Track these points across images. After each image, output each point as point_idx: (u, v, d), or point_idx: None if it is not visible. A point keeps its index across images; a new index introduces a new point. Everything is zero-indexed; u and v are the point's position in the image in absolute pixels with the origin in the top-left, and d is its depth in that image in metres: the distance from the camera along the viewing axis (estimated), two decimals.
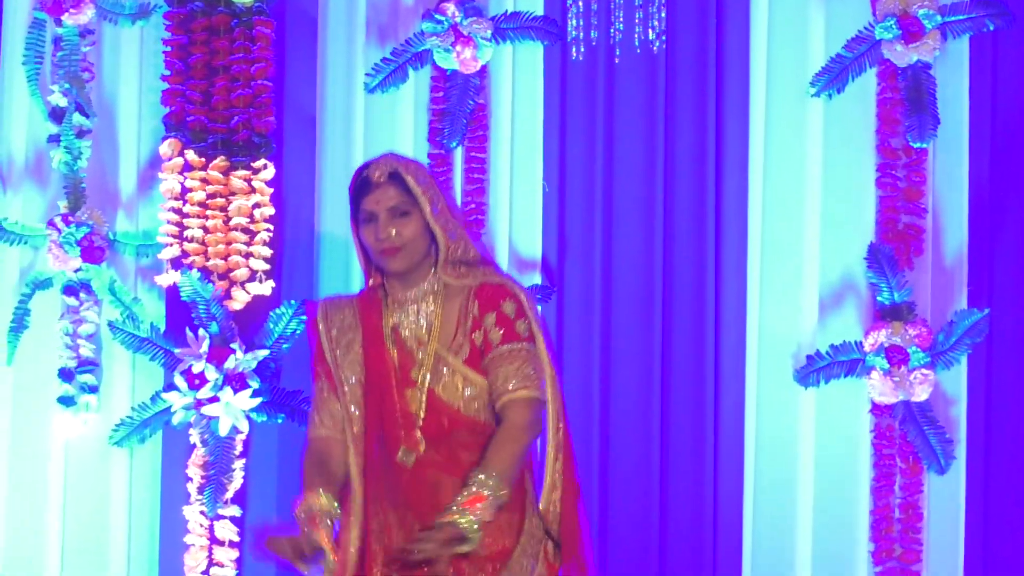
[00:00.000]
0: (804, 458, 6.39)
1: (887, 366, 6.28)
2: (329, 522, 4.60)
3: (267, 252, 6.44)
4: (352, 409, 4.67)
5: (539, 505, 4.66)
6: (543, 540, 4.66)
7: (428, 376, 4.62)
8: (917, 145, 6.37)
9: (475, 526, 4.36)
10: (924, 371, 6.28)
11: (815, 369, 6.31)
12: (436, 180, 4.80)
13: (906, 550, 6.32)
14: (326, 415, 4.74)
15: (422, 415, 4.56)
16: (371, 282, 4.77)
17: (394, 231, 4.58)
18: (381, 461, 4.67)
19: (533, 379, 4.59)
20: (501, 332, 4.58)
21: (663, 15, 6.56)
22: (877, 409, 6.33)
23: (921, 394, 6.29)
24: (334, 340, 4.70)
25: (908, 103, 6.38)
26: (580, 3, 6.61)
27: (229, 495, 6.40)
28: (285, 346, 6.45)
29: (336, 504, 4.61)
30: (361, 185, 4.67)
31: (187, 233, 6.43)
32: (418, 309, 4.67)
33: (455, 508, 4.35)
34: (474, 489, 4.39)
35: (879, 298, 6.35)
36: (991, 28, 6.43)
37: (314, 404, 4.87)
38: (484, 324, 4.61)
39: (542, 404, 4.61)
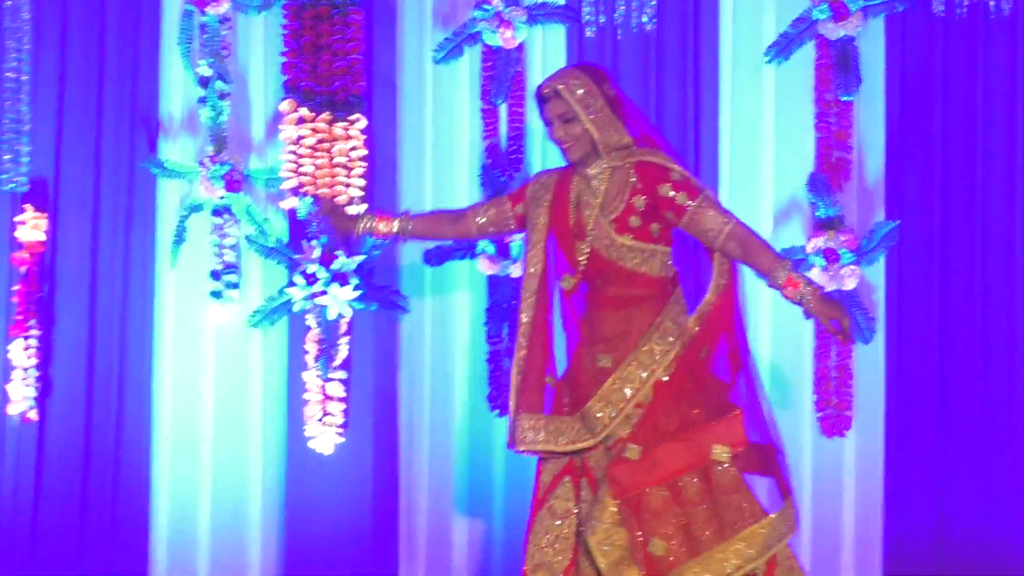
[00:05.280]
0: (763, 333, 6.64)
1: (824, 263, 6.57)
2: (364, 223, 5.13)
3: (361, 182, 6.72)
4: (531, 247, 4.96)
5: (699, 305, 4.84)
6: (679, 334, 4.80)
7: (590, 233, 4.88)
8: (845, 98, 6.64)
9: (806, 296, 4.66)
10: (852, 267, 6.57)
11: None
12: (598, 85, 4.89)
13: (840, 400, 6.63)
14: (487, 214, 5.15)
15: (583, 260, 4.88)
16: (567, 162, 4.98)
17: (563, 132, 4.88)
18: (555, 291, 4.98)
19: (725, 211, 4.83)
20: (685, 194, 4.80)
21: (654, 3, 6.76)
22: None
23: (850, 284, 6.59)
24: (534, 195, 5.01)
25: (838, 67, 6.63)
26: None
27: (337, 363, 6.72)
28: (376, 252, 6.73)
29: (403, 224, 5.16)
30: (541, 98, 4.93)
31: (302, 169, 6.70)
32: (592, 184, 4.91)
33: (796, 295, 4.66)
34: (783, 277, 4.70)
35: (817, 213, 6.62)
36: (900, 9, 6.71)
37: (484, 202, 5.28)
38: (660, 193, 4.79)
39: (738, 219, 4.82)
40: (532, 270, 4.99)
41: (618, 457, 4.78)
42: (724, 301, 4.90)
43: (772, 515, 4.80)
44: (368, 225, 5.20)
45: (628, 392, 4.80)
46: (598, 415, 4.80)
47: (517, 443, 4.89)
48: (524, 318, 4.96)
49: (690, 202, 4.83)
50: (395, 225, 5.20)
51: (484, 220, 5.16)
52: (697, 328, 4.86)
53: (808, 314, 4.77)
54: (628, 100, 5.03)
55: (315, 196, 5.35)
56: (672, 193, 4.84)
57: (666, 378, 4.82)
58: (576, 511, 4.85)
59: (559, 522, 4.83)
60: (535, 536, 4.85)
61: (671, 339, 4.85)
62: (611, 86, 4.96)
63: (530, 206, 5.06)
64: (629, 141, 4.93)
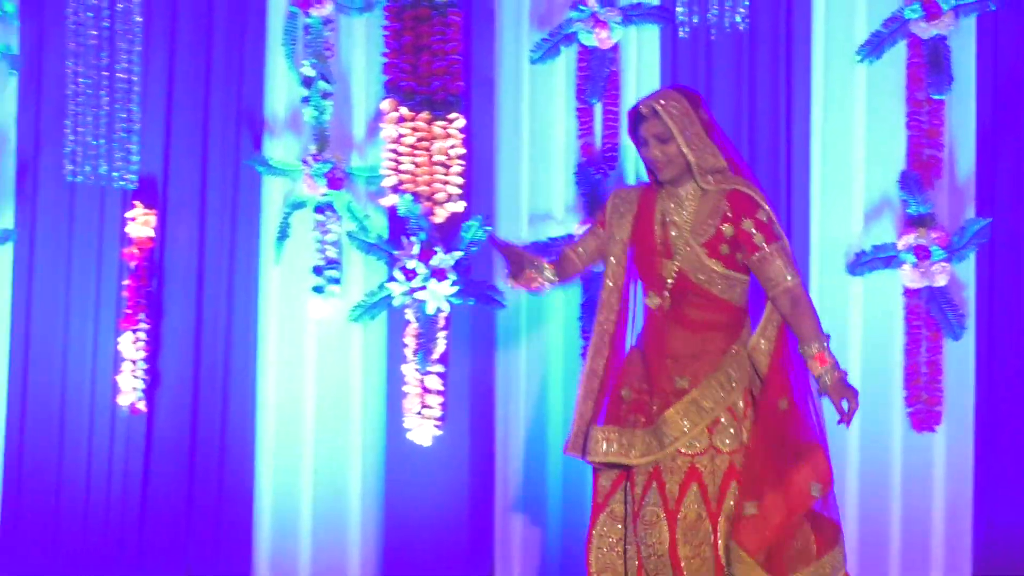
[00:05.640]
0: (854, 328, 6.66)
1: (915, 260, 6.59)
2: (539, 270, 5.08)
3: (459, 180, 6.80)
4: (612, 260, 5.02)
5: (748, 342, 4.94)
6: (741, 378, 4.91)
7: (679, 253, 4.93)
8: (936, 97, 6.65)
9: (828, 375, 4.78)
10: (943, 264, 6.59)
11: (862, 263, 6.66)
12: (694, 108, 4.95)
13: (930, 395, 6.63)
14: (584, 245, 5.17)
15: (670, 281, 4.92)
16: (651, 179, 5.05)
17: (659, 152, 4.91)
18: (632, 303, 5.05)
19: (793, 267, 4.91)
20: (763, 236, 4.87)
21: (747, 2, 6.69)
22: (908, 292, 6.66)
23: (941, 281, 6.60)
24: (615, 209, 5.05)
25: (929, 66, 6.63)
26: None
27: (435, 356, 6.79)
28: (473, 249, 6.79)
29: (552, 272, 5.11)
30: (637, 116, 4.97)
31: (402, 167, 6.76)
32: (681, 204, 4.95)
33: (819, 371, 4.78)
34: (814, 351, 4.80)
35: (909, 210, 6.62)
36: (993, 8, 6.70)
37: (581, 235, 5.34)
38: (742, 226, 4.86)
39: (801, 281, 4.93)
40: (612, 283, 5.08)
41: (739, 518, 4.87)
42: (781, 350, 4.99)
43: (834, 548, 4.96)
44: (544, 275, 5.18)
45: (707, 409, 4.88)
46: (672, 430, 4.87)
47: (588, 453, 4.97)
48: (601, 331, 5.06)
49: (765, 246, 4.92)
50: (551, 276, 5.20)
51: (584, 250, 5.19)
52: (764, 380, 4.96)
53: (822, 393, 4.87)
54: (719, 125, 5.09)
55: (491, 237, 5.33)
56: (752, 230, 4.92)
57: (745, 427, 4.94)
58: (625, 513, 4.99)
59: (620, 525, 4.97)
60: (598, 539, 4.99)
61: (746, 367, 4.95)
62: (705, 110, 5.03)
63: (612, 219, 5.11)
64: (723, 165, 5.00)
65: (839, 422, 4.85)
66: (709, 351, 4.92)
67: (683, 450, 4.87)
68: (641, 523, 4.90)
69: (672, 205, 4.99)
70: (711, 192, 4.94)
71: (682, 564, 4.85)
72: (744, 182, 4.99)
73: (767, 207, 4.97)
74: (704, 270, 4.92)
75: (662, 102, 4.94)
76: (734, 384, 4.91)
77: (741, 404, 4.93)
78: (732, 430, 4.90)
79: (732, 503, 4.89)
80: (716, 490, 4.88)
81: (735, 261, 4.94)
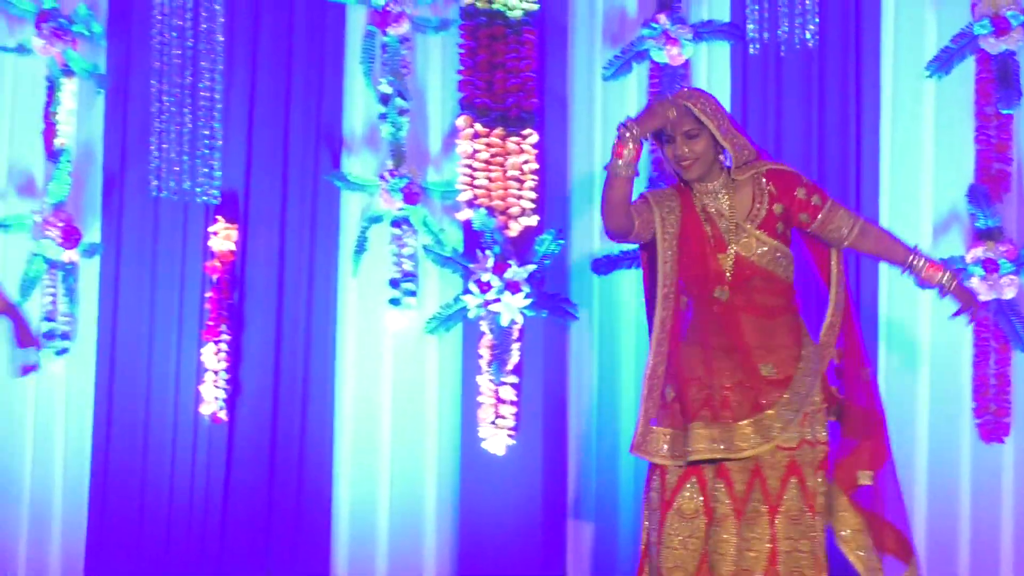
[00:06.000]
0: (923, 340, 6.69)
1: (983, 273, 6.61)
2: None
3: (533, 195, 6.91)
4: (670, 254, 4.96)
5: (819, 336, 4.98)
6: (820, 364, 4.96)
7: (733, 242, 4.91)
8: (1005, 111, 6.67)
9: (947, 279, 4.88)
10: (1011, 277, 6.61)
11: None
12: (718, 104, 4.94)
13: (999, 407, 6.63)
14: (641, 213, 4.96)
15: (730, 272, 4.93)
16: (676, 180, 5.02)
17: (687, 149, 4.88)
18: (694, 303, 4.97)
19: (852, 210, 5.02)
20: (818, 196, 4.94)
21: (817, 20, 6.73)
22: None
23: (1009, 293, 6.63)
24: (660, 204, 4.97)
25: (998, 81, 6.66)
26: (756, 11, 6.76)
27: (509, 367, 6.86)
28: (547, 262, 6.86)
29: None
30: None
31: (477, 182, 6.87)
32: (717, 197, 4.92)
33: (938, 278, 4.91)
34: (923, 263, 4.91)
35: (977, 224, 6.65)
36: None
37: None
38: (796, 196, 4.90)
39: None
40: (670, 281, 5.01)
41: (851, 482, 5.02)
42: (848, 318, 5.06)
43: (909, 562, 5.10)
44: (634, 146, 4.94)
45: (802, 395, 4.92)
46: (776, 421, 4.90)
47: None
48: (661, 327, 5.02)
49: (823, 203, 4.99)
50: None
51: (639, 221, 5.05)
52: (841, 350, 5.04)
53: (948, 294, 4.96)
54: (733, 117, 5.15)
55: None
56: (807, 196, 4.98)
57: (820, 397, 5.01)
58: (702, 505, 4.96)
59: (688, 522, 4.96)
60: (667, 538, 4.96)
61: (820, 356, 5.00)
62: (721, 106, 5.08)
63: (661, 213, 5.02)
64: (755, 154, 5.02)
65: (957, 314, 4.97)
66: (785, 343, 4.95)
67: (782, 444, 4.91)
68: (744, 519, 4.92)
69: (709, 200, 5.01)
70: (742, 180, 4.97)
71: (779, 560, 4.89)
72: (773, 162, 5.04)
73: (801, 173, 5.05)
74: (769, 253, 4.95)
75: (692, 100, 4.96)
76: (815, 376, 4.96)
77: (818, 398, 4.99)
78: (810, 424, 4.95)
79: (822, 497, 4.98)
80: (814, 483, 4.94)
81: (786, 239, 5.00)
